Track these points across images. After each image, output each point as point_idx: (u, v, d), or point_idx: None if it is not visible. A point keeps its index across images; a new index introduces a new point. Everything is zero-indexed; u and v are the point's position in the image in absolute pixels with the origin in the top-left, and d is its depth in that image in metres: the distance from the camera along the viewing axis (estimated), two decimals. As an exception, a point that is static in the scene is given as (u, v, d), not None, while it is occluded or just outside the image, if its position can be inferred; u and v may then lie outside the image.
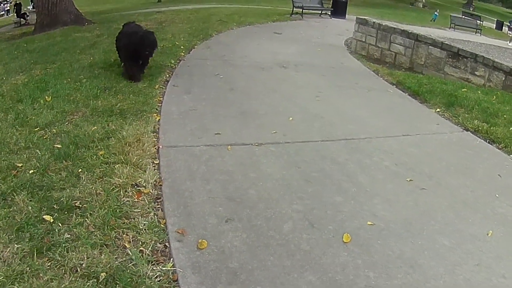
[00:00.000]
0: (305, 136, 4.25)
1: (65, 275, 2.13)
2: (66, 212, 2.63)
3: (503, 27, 30.37)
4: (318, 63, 8.28)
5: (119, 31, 5.93)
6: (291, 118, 4.69)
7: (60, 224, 2.50)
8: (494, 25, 31.46)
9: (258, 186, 3.13)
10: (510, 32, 26.72)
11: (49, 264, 2.15)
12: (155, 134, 3.79)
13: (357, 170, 3.66)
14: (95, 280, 2.12)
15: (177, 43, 8.38)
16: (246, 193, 3.00)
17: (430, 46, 8.44)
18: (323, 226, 2.74)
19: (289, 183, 3.28)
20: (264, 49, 9.04)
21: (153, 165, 3.19)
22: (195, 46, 8.29)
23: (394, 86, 6.89)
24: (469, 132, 4.80)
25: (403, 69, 8.50)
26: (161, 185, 2.95)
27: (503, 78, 7.07)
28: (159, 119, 4.28)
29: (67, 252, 2.29)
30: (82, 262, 2.21)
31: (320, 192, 3.16)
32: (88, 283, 2.09)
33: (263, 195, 2.99)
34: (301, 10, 14.95)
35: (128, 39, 5.16)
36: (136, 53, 5.07)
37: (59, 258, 2.24)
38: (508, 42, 18.10)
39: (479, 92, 6.28)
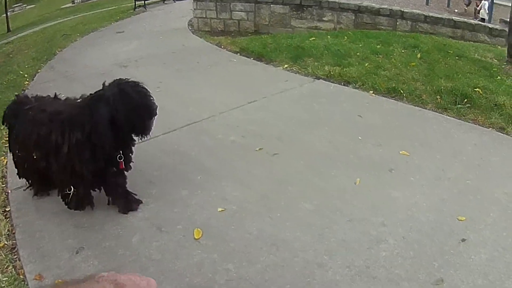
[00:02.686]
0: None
1: None
2: None
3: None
4: (160, 52, 8.49)
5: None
6: None
7: None
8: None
9: (102, 202, 3.12)
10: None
11: None
12: (3, 179, 3.73)
13: (202, 155, 3.65)
14: None
15: (21, 72, 8.10)
16: (91, 215, 3.01)
17: (271, 5, 8.83)
18: (171, 228, 2.82)
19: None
20: (106, 52, 9.23)
21: (5, 213, 3.19)
22: (39, 70, 8.23)
23: (238, 54, 7.03)
24: (321, 80, 4.97)
25: (249, 34, 8.71)
26: (14, 233, 2.96)
27: (353, 17, 7.69)
28: (6, 162, 3.91)
29: None
30: None
31: (164, 191, 3.23)
32: None
33: (109, 212, 3.01)
34: (143, 2, 16.46)
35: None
36: None
37: None
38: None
39: (328, 37, 6.67)
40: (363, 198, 2.99)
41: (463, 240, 2.70)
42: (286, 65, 5.63)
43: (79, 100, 2.77)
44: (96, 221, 2.92)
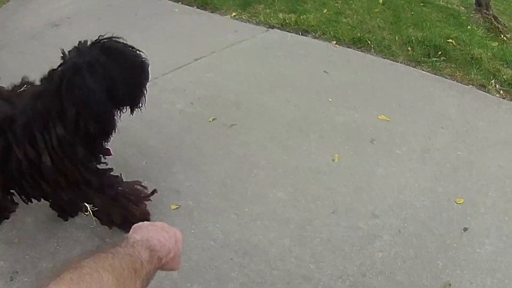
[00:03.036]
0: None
1: None
2: None
3: None
4: (94, 5, 7.23)
5: None
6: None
7: None
8: None
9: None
10: None
11: None
12: None
13: (144, 131, 2.92)
14: None
15: None
16: (21, 225, 2.35)
17: None
18: (117, 237, 2.21)
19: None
20: (39, 12, 7.80)
21: None
22: None
23: (179, 3, 6.14)
24: (275, 29, 4.33)
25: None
26: None
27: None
28: None
29: None
30: None
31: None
32: None
33: (38, 217, 2.35)
34: None
35: None
36: None
37: None
38: None
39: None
40: (344, 180, 2.50)
41: (465, 229, 2.33)
42: (234, 13, 4.88)
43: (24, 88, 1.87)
44: (26, 233, 2.26)
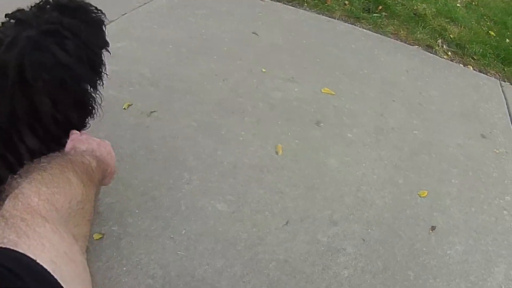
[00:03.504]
0: None
1: None
2: None
3: None
4: None
5: None
6: None
7: None
8: None
9: None
10: None
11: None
12: None
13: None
14: None
15: None
16: None
17: None
18: None
19: None
20: None
21: None
22: None
23: None
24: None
25: None
26: None
27: None
28: None
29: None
30: None
31: None
32: None
33: None
34: None
35: None
36: None
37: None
38: None
39: None
40: (293, 178, 2.11)
41: (433, 228, 2.09)
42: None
43: None
44: None
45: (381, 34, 3.33)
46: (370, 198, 2.11)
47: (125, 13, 3.05)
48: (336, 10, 3.52)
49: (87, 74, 1.31)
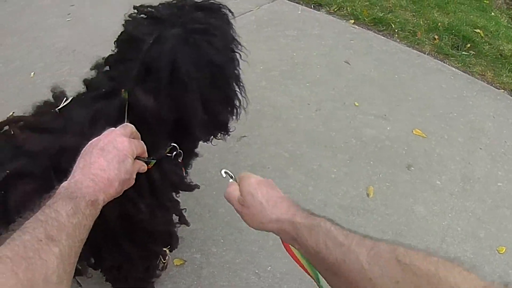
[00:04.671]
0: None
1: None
2: None
3: None
4: None
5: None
6: (32, 74, 2.85)
7: None
8: None
9: None
10: None
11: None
12: None
13: None
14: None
15: None
16: None
17: None
18: None
19: None
20: None
21: None
22: None
23: None
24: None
25: None
26: None
27: None
28: None
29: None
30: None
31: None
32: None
33: None
34: None
35: None
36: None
37: None
38: None
39: None
40: (381, 223, 2.17)
41: (506, 285, 2.02)
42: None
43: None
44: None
45: (469, 74, 3.27)
46: (453, 251, 2.12)
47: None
48: (425, 44, 3.48)
49: (236, 74, 1.26)
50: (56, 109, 1.17)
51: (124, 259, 1.34)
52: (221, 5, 1.24)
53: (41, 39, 3.28)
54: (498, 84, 3.26)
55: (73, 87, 1.24)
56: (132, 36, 1.12)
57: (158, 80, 1.07)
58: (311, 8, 3.74)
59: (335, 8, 3.72)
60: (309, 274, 0.94)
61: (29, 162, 1.08)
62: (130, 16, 1.16)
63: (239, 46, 1.26)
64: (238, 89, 1.28)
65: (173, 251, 1.65)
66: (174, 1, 1.18)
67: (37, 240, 0.67)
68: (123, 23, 1.16)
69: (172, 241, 1.48)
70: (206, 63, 1.10)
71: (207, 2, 1.21)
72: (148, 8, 1.15)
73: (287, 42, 3.28)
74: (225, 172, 1.15)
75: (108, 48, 1.18)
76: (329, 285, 0.79)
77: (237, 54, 1.25)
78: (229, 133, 1.34)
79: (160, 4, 1.17)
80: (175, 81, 1.08)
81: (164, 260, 1.72)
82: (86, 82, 1.22)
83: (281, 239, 0.92)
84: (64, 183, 0.81)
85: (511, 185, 2.53)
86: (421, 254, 0.70)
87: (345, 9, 3.71)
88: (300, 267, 0.94)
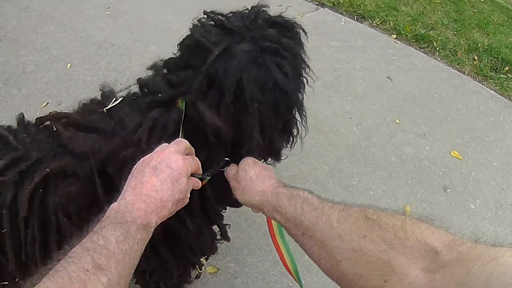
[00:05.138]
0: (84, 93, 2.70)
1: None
2: None
3: None
4: None
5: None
6: (69, 65, 2.91)
7: None
8: None
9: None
10: None
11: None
12: None
13: None
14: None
15: None
16: None
17: None
18: None
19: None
20: None
21: None
22: None
23: None
24: (326, 9, 3.87)
25: None
26: None
27: None
28: None
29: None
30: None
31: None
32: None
33: None
34: None
35: None
36: None
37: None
38: None
39: None
40: None
41: None
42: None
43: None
44: None
45: (506, 98, 3.30)
46: None
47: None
48: (465, 64, 3.51)
49: (300, 102, 1.16)
50: (104, 108, 1.13)
51: (160, 265, 1.31)
52: (295, 24, 1.15)
53: (79, 30, 3.27)
54: (534, 110, 3.28)
55: (110, 82, 1.24)
56: (198, 43, 1.04)
57: (220, 96, 1.00)
58: (354, 20, 3.79)
59: (378, 22, 3.76)
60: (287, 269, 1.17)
61: (73, 162, 1.04)
62: (198, 21, 1.10)
63: (308, 70, 1.18)
64: (299, 117, 1.19)
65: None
66: (246, 12, 1.10)
67: (83, 270, 0.63)
68: (190, 26, 1.10)
69: (212, 253, 1.47)
70: (272, 87, 1.02)
71: (281, 18, 1.12)
72: (219, 16, 1.08)
73: (330, 53, 3.34)
74: None
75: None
76: (306, 251, 0.83)
77: (304, 79, 1.17)
78: (280, 160, 1.24)
79: (231, 12, 1.10)
80: (237, 101, 1.00)
81: (200, 270, 1.71)
82: (141, 82, 1.16)
83: (266, 218, 1.01)
84: (114, 205, 0.76)
85: None
86: (389, 212, 0.75)
87: (387, 23, 3.74)
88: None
